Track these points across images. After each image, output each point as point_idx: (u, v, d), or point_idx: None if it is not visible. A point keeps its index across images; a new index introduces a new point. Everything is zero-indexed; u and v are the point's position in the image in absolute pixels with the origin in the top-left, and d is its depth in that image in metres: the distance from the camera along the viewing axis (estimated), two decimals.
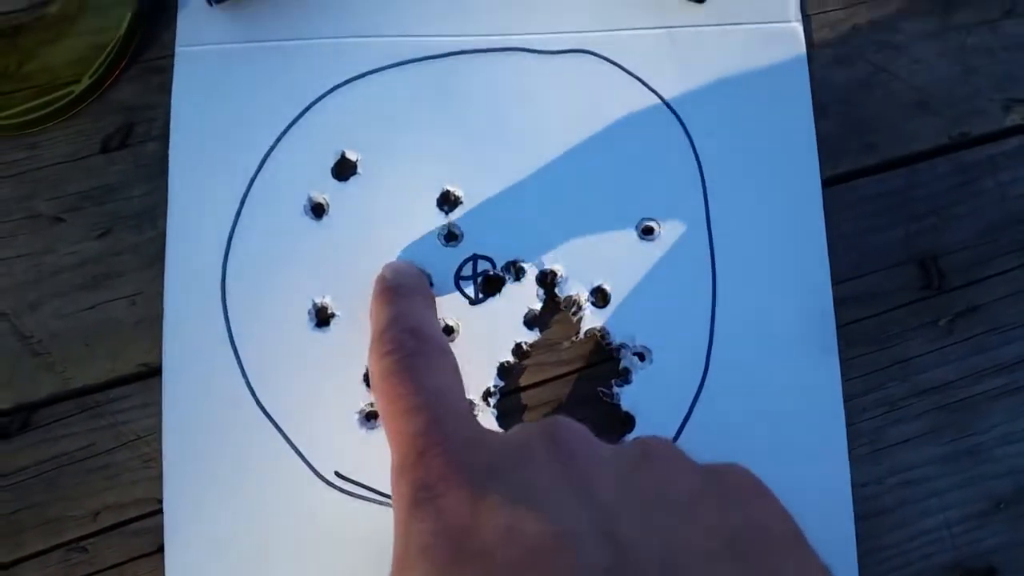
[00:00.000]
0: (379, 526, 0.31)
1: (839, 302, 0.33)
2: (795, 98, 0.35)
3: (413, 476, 0.23)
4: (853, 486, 0.32)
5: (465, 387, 0.29)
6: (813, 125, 0.34)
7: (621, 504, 0.22)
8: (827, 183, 0.34)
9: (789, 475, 0.31)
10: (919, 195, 0.34)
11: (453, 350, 0.32)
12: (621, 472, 0.23)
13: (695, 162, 0.34)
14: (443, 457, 0.23)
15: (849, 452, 0.32)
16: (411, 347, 0.27)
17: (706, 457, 0.31)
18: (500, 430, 0.32)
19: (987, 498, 0.32)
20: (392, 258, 0.33)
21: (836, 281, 0.33)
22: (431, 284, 0.33)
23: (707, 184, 0.34)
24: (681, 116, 0.34)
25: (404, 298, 0.30)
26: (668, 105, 0.34)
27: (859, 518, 0.31)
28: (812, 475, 0.31)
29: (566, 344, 0.33)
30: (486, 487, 0.22)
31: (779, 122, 0.34)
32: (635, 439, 0.25)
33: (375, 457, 0.31)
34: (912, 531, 0.32)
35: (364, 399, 0.32)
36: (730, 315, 0.33)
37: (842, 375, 0.32)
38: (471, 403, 0.32)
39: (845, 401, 0.32)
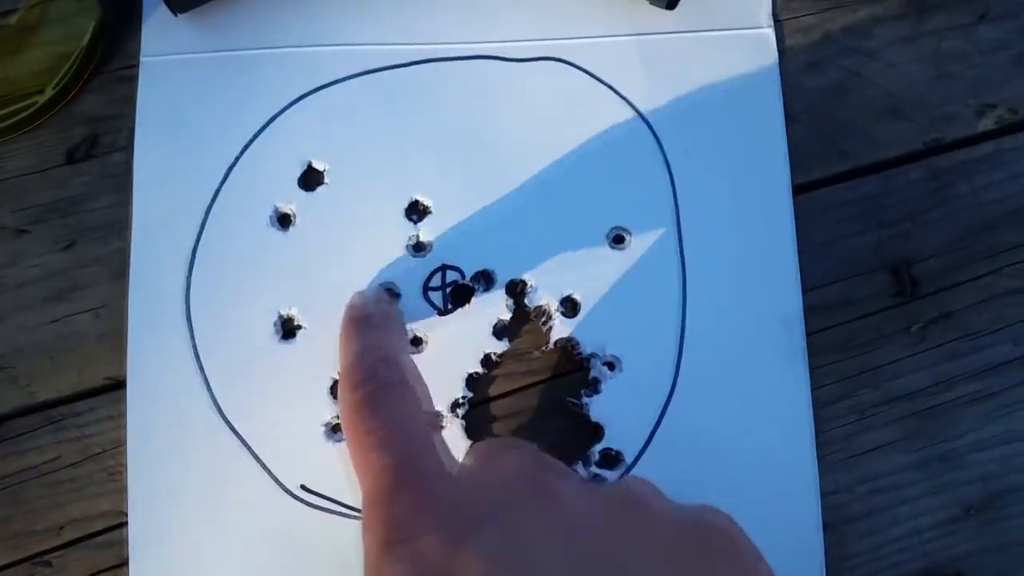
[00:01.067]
0: (345, 539, 0.30)
1: (811, 309, 0.33)
2: (766, 104, 0.34)
3: (385, 514, 0.23)
4: (823, 494, 0.31)
5: (436, 407, 0.28)
6: (784, 131, 0.34)
7: (602, 553, 0.22)
8: (799, 190, 0.34)
9: (757, 483, 0.31)
10: (892, 201, 0.34)
11: (422, 361, 0.32)
12: (602, 517, 0.23)
13: (666, 170, 0.34)
14: (416, 495, 0.23)
15: (819, 460, 0.32)
16: (383, 377, 0.26)
17: (675, 468, 0.31)
18: (470, 442, 0.31)
19: (957, 505, 0.32)
20: (359, 267, 0.33)
21: (808, 288, 0.33)
22: (400, 301, 0.32)
23: (678, 192, 0.34)
24: (652, 123, 0.34)
25: (374, 327, 0.29)
26: (639, 112, 0.34)
27: (828, 527, 0.31)
28: (780, 483, 0.31)
29: (535, 354, 0.33)
30: (463, 532, 0.22)
31: (750, 129, 0.34)
32: (619, 482, 0.25)
33: (341, 470, 0.31)
34: (881, 539, 0.32)
35: (330, 412, 0.31)
36: (700, 324, 0.32)
37: (813, 382, 0.32)
38: (440, 415, 0.31)
39: (816, 408, 0.32)
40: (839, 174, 0.35)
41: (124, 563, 0.31)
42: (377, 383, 0.26)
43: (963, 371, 0.33)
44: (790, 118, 0.34)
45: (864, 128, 0.35)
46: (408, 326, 0.32)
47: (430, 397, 0.28)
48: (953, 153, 0.35)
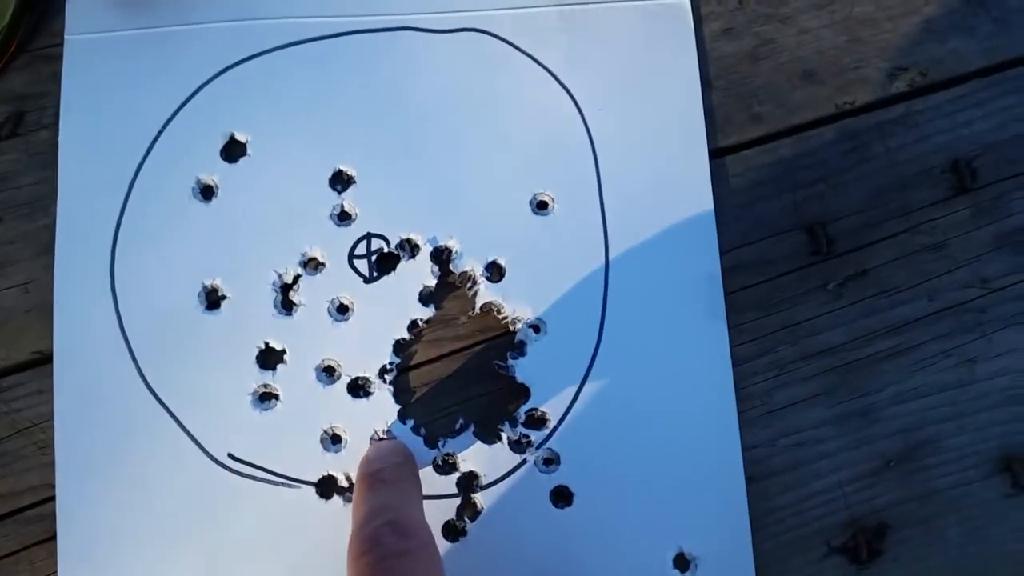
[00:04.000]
0: (273, 506, 0.31)
1: (729, 269, 0.34)
2: (683, 72, 0.35)
3: None
4: (744, 448, 0.32)
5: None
6: (701, 98, 0.35)
7: None
8: (716, 154, 0.35)
9: (681, 439, 0.32)
10: (807, 163, 0.35)
11: (349, 329, 0.32)
12: None
13: (587, 136, 0.34)
14: None
15: (740, 415, 0.32)
16: (391, 546, 0.25)
17: (600, 426, 0.32)
18: (399, 407, 0.32)
19: (878, 457, 0.33)
20: (283, 237, 0.33)
21: (726, 249, 0.34)
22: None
23: (598, 158, 0.34)
24: (572, 92, 0.35)
25: (387, 485, 0.28)
26: (559, 81, 0.35)
27: (751, 480, 0.32)
28: (703, 438, 0.32)
29: (462, 319, 0.33)
30: None
31: (668, 95, 0.35)
32: None
33: (268, 438, 0.31)
34: (805, 492, 0.33)
35: (257, 380, 0.32)
36: (622, 286, 0.33)
37: (732, 340, 0.33)
38: (366, 380, 0.32)
39: (736, 365, 0.33)
40: (755, 138, 0.35)
41: (53, 537, 0.31)
42: (382, 552, 0.25)
43: (880, 326, 0.34)
44: (706, 84, 0.35)
45: (779, 92, 0.36)
46: (335, 294, 0.33)
47: (440, 563, 0.26)
48: (866, 115, 0.36)
